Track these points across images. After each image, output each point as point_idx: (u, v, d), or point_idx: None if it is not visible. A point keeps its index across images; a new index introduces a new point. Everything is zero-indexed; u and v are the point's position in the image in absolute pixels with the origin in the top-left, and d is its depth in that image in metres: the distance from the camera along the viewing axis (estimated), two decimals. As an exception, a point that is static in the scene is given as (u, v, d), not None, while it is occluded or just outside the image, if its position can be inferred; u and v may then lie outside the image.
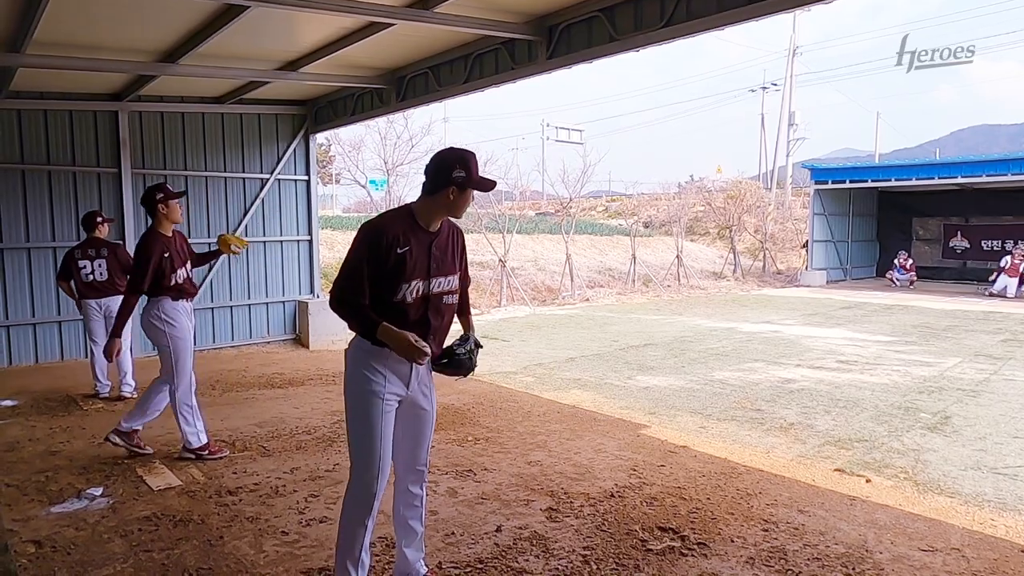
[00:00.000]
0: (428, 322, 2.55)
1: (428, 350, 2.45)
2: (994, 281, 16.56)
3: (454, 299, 2.67)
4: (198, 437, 4.46)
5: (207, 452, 4.48)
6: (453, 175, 2.47)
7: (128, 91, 7.62)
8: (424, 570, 2.83)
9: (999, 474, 4.40)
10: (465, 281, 2.80)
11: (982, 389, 6.77)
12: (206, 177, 8.57)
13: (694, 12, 4.86)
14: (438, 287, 2.57)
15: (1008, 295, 16.03)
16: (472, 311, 2.96)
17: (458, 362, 2.64)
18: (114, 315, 6.12)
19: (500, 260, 14.70)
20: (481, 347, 2.76)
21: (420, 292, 2.52)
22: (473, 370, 2.69)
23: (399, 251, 2.44)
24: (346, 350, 2.60)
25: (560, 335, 10.43)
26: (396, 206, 2.71)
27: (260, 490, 3.96)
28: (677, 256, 18.86)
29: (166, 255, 4.34)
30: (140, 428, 4.58)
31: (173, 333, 4.39)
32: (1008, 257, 16.82)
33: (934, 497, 4.01)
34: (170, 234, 4.48)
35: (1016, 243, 17.58)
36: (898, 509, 3.78)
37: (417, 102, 7.67)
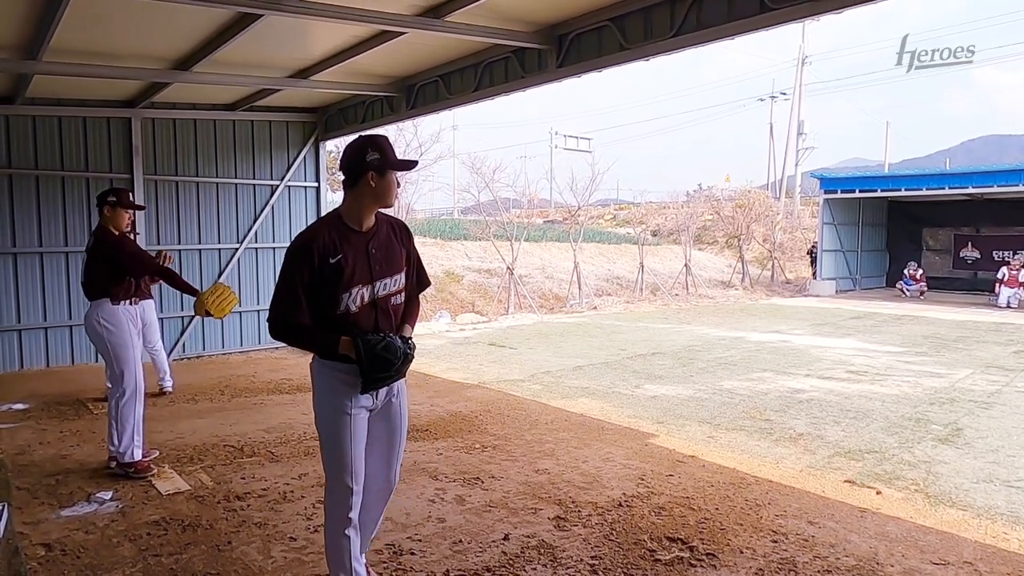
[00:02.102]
0: (380, 329, 2.42)
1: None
2: (997, 295, 16.47)
3: (401, 299, 2.51)
4: (132, 453, 4.20)
5: (133, 469, 4.19)
6: (368, 159, 2.34)
7: (141, 98, 7.70)
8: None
9: (1012, 487, 4.36)
10: (421, 283, 2.61)
11: (994, 401, 6.71)
12: (217, 183, 8.64)
13: (704, 22, 4.87)
14: (384, 289, 2.42)
15: (1013, 306, 15.93)
16: (415, 312, 2.65)
17: (379, 360, 2.33)
18: (148, 322, 6.01)
19: (508, 268, 14.71)
20: (411, 353, 2.44)
21: (365, 299, 2.38)
22: (392, 372, 2.39)
23: (332, 261, 2.32)
24: (311, 363, 2.49)
25: (568, 343, 10.41)
26: (325, 214, 2.56)
27: (268, 496, 3.97)
28: (685, 265, 18.83)
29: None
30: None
31: (117, 337, 4.25)
32: (1005, 268, 16.75)
33: (946, 510, 3.97)
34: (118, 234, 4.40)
35: (1013, 254, 17.56)
36: (909, 522, 3.74)
37: (427, 110, 7.71)
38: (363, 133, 2.52)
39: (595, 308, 15.31)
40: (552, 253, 20.07)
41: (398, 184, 2.47)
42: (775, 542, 3.43)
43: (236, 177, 8.79)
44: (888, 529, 3.62)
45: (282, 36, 5.90)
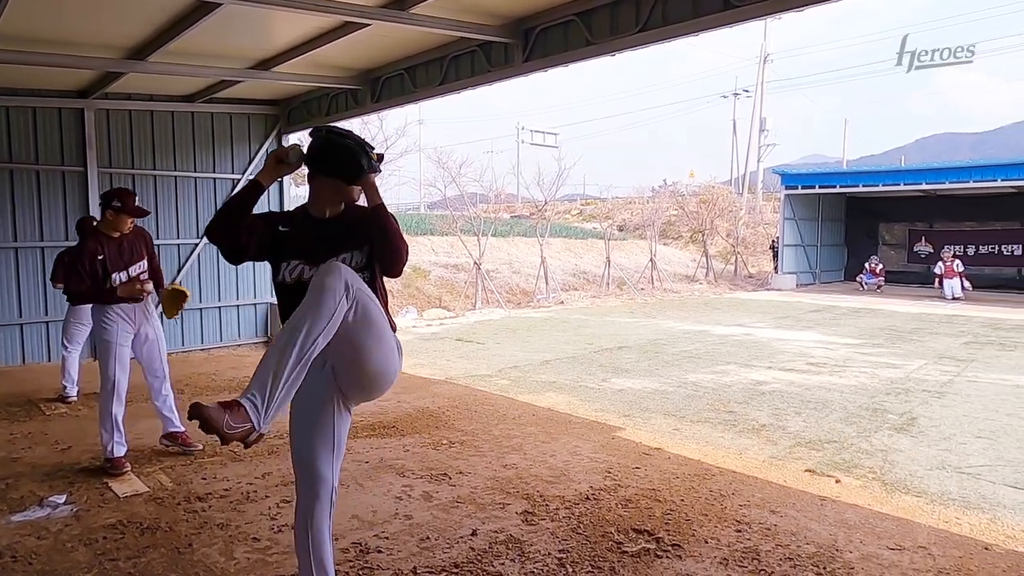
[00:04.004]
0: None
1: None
2: (941, 287, 17.06)
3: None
4: (112, 449, 4.24)
5: (109, 465, 4.22)
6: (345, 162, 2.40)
7: (95, 88, 7.45)
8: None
9: (963, 473, 4.51)
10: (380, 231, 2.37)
11: (947, 390, 6.94)
12: (175, 177, 8.41)
13: (669, 18, 4.91)
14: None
15: (959, 296, 16.52)
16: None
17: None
18: (87, 323, 6.00)
19: (475, 263, 14.67)
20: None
21: (304, 275, 2.38)
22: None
23: (280, 228, 2.45)
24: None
25: (535, 338, 10.44)
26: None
27: (231, 496, 3.89)
28: (651, 260, 19.03)
29: (100, 257, 4.20)
30: (180, 428, 4.65)
31: (102, 336, 4.29)
32: (940, 263, 17.37)
33: (901, 496, 4.09)
34: (115, 235, 4.29)
35: (944, 248, 18.32)
36: (867, 509, 3.85)
37: (392, 103, 7.63)
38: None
39: (562, 303, 15.38)
40: (519, 248, 20.09)
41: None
42: (739, 532, 3.49)
43: (195, 171, 8.57)
44: (847, 516, 3.71)
45: (243, 26, 5.76)
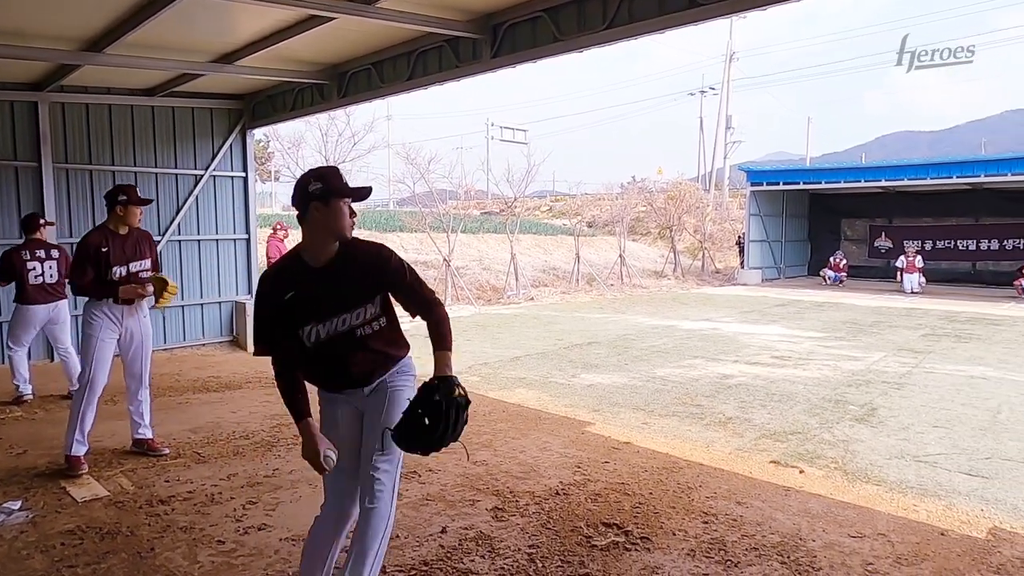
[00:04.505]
0: (345, 363, 2.38)
1: (331, 463, 2.34)
2: (901, 281, 17.55)
3: (375, 327, 2.41)
4: (71, 447, 4.17)
5: (67, 465, 4.17)
6: (310, 189, 2.30)
7: (49, 81, 7.20)
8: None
9: (921, 462, 4.65)
10: (423, 305, 2.44)
11: (905, 381, 7.14)
12: (135, 173, 8.17)
13: (636, 15, 4.94)
14: (344, 324, 2.35)
15: (917, 290, 17.02)
16: (441, 335, 2.44)
17: (415, 433, 2.20)
18: (60, 322, 5.86)
19: (445, 260, 14.61)
20: (463, 403, 2.25)
21: (320, 335, 2.35)
22: (442, 441, 2.21)
23: (285, 299, 2.33)
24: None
25: (505, 334, 10.44)
26: (289, 249, 2.49)
27: (194, 498, 3.81)
28: (620, 255, 19.17)
29: (103, 249, 4.21)
30: (146, 435, 4.54)
31: (86, 330, 4.28)
32: (903, 257, 17.88)
33: (862, 485, 4.20)
34: (122, 232, 4.34)
35: (907, 243, 18.87)
36: (829, 498, 3.94)
37: (359, 98, 7.54)
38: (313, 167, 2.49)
39: (532, 299, 15.41)
40: (489, 244, 20.07)
41: (352, 213, 2.39)
42: (706, 523, 3.54)
43: (156, 166, 8.35)
44: (810, 506, 3.79)
45: (204, 18, 5.62)
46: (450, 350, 2.40)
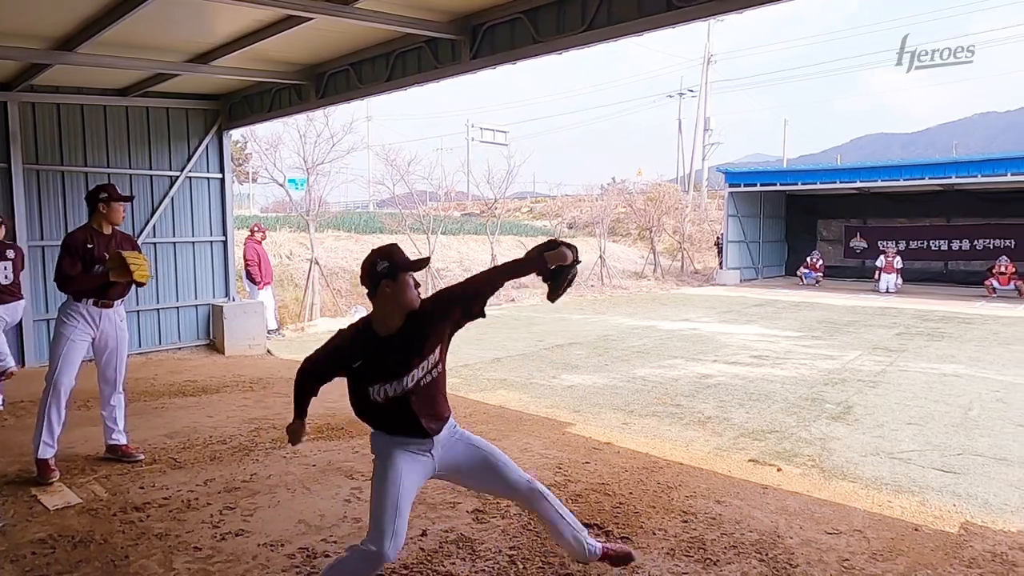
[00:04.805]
0: (412, 412, 2.54)
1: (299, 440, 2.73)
2: (878, 281, 17.85)
3: (435, 372, 2.61)
4: (40, 448, 4.09)
5: (37, 471, 4.08)
6: (379, 269, 2.48)
7: (19, 80, 7.05)
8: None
9: (895, 459, 4.72)
10: (472, 301, 2.70)
11: (880, 380, 7.25)
12: (109, 174, 8.02)
13: (614, 17, 4.97)
14: (412, 380, 2.52)
15: (892, 291, 17.34)
16: (522, 258, 2.83)
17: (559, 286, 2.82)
18: (16, 323, 5.75)
19: (425, 261, 14.56)
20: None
21: (389, 393, 2.51)
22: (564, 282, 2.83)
23: (354, 366, 2.53)
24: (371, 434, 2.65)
25: (486, 335, 10.42)
26: (360, 318, 2.70)
27: (170, 505, 3.75)
28: (600, 256, 19.26)
29: (89, 246, 4.19)
30: (120, 440, 4.47)
31: (58, 329, 4.21)
32: (882, 257, 18.20)
33: (838, 483, 4.26)
34: (107, 232, 4.31)
35: (896, 244, 19.10)
36: (806, 495, 3.98)
37: (338, 99, 7.49)
38: (376, 247, 2.63)
39: (513, 300, 15.42)
40: (469, 246, 20.05)
41: (416, 284, 2.57)
42: (685, 522, 3.57)
43: (131, 168, 8.21)
44: (788, 504, 3.84)
45: (179, 17, 5.54)
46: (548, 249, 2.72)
